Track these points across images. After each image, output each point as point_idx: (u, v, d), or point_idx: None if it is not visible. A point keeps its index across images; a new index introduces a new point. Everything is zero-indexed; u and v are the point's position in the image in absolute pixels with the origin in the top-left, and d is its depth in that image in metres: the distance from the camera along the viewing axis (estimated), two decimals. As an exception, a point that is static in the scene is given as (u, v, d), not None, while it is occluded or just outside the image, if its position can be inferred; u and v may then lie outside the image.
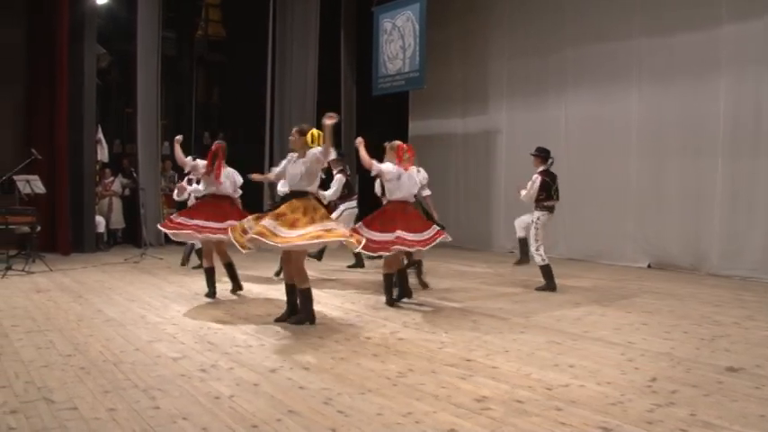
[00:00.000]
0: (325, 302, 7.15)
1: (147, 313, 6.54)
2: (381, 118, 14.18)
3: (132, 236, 12.67)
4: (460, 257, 11.24)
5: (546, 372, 4.61)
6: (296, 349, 5.20)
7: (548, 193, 8.19)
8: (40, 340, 5.36)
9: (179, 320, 6.23)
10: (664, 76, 10.18)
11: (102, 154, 12.32)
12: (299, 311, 6.18)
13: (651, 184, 10.37)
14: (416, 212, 7.25)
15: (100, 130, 12.21)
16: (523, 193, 8.27)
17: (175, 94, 14.78)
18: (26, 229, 9.97)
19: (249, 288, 7.95)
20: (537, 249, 8.04)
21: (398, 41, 12.86)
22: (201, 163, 7.57)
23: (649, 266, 10.33)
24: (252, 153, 13.12)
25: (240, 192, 7.82)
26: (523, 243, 8.45)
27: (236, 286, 7.67)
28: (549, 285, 8.11)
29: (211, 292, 7.42)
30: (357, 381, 4.36)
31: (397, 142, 7.35)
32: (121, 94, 14.46)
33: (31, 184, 9.86)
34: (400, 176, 7.06)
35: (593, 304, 7.29)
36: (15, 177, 9.87)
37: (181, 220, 7.36)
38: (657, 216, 10.28)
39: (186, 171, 8.17)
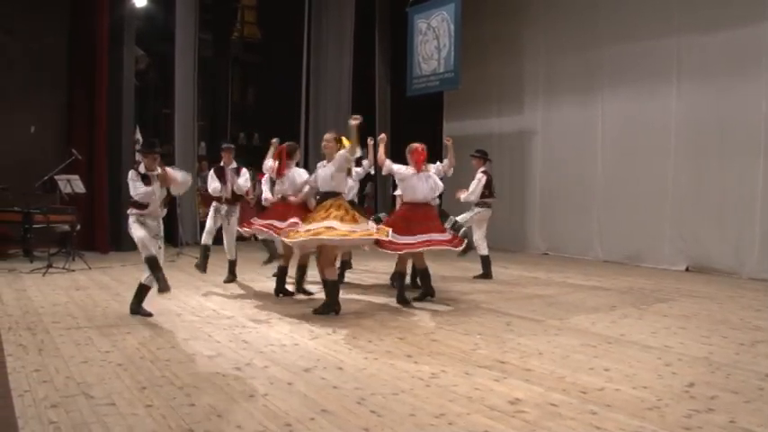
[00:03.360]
0: (358, 302, 7.17)
1: (183, 311, 6.63)
2: (416, 118, 14.16)
3: (168, 235, 12.80)
4: (494, 258, 11.13)
5: (581, 375, 4.56)
6: (330, 349, 5.22)
7: (489, 191, 9.03)
8: (80, 337, 5.47)
9: (214, 319, 6.30)
10: (703, 75, 9.99)
11: (140, 154, 12.50)
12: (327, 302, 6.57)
13: (690, 185, 10.19)
14: (430, 215, 7.25)
15: (138, 130, 12.41)
16: (463, 195, 8.96)
17: (211, 94, 14.96)
18: (66, 227, 10.18)
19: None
20: (480, 240, 9.03)
21: (433, 42, 12.83)
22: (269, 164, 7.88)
23: (687, 269, 10.15)
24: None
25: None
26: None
27: (300, 289, 7.76)
28: (486, 273, 9.06)
29: (279, 290, 7.61)
30: (390, 381, 4.37)
31: (414, 145, 7.40)
32: (159, 95, 14.69)
33: (71, 184, 10.07)
34: (411, 178, 7.16)
35: (629, 307, 7.19)
36: (56, 177, 10.10)
37: (253, 219, 7.64)
38: (696, 218, 10.09)
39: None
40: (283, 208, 7.31)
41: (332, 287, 6.58)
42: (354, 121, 6.51)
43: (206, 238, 8.61)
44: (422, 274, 7.41)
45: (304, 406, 3.86)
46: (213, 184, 8.48)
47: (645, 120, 10.78)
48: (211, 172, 8.71)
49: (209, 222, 8.59)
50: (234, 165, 8.53)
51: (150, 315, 6.27)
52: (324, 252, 6.60)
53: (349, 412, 3.77)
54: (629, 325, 6.27)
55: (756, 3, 9.32)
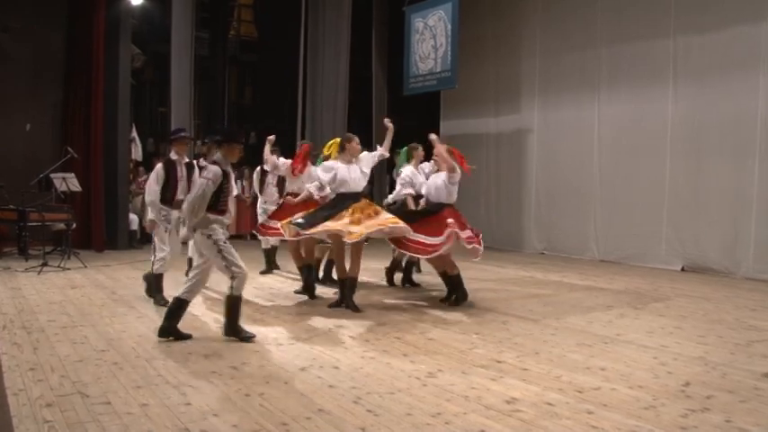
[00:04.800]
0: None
1: (179, 310, 6.60)
2: (413, 117, 14.14)
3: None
4: (491, 258, 11.13)
5: (577, 374, 4.56)
6: (326, 348, 5.22)
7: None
8: (75, 335, 5.46)
9: (210, 318, 6.28)
10: (700, 75, 9.99)
11: (136, 153, 12.50)
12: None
13: (686, 186, 10.19)
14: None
15: (134, 129, 12.39)
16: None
17: (208, 93, 14.94)
18: (62, 225, 10.16)
19: (280, 287, 8.00)
20: None
21: (430, 41, 12.82)
22: (283, 162, 7.93)
23: (683, 269, 10.16)
24: (284, 151, 13.22)
25: (326, 190, 7.66)
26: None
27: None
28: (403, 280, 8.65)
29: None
30: (387, 380, 4.36)
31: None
32: (155, 93, 14.67)
33: (67, 182, 10.05)
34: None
35: (625, 307, 7.20)
36: (52, 175, 10.07)
37: (271, 224, 7.59)
38: (692, 218, 10.10)
39: (270, 169, 8.31)
40: (299, 206, 7.37)
41: (340, 285, 6.85)
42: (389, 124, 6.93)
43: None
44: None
45: (300, 405, 3.85)
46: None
47: (641, 120, 10.79)
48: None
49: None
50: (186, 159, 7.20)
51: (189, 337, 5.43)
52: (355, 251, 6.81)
53: (345, 411, 3.76)
54: (626, 325, 6.27)
55: (753, 3, 9.32)
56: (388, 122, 7.30)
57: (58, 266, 9.09)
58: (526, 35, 12.85)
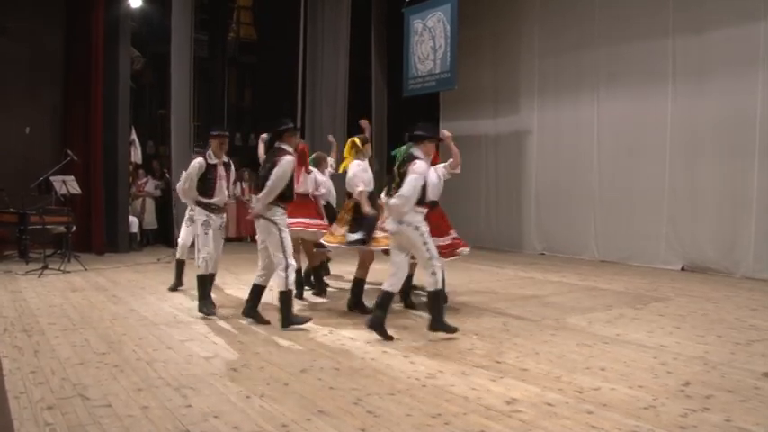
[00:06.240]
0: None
1: (180, 313, 6.62)
2: (412, 119, 14.12)
3: (164, 236, 12.84)
4: (490, 259, 11.18)
5: (577, 374, 4.57)
6: (326, 349, 5.22)
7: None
8: (76, 338, 5.46)
9: (210, 320, 6.29)
10: (699, 75, 9.98)
11: (136, 155, 12.51)
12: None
13: (685, 185, 10.19)
14: (440, 212, 7.15)
15: (134, 131, 12.40)
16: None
17: (208, 95, 14.93)
18: (62, 228, 10.16)
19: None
20: None
21: (429, 42, 12.83)
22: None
23: (683, 269, 10.16)
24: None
25: (322, 191, 7.66)
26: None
27: (320, 289, 7.71)
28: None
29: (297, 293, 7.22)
30: (387, 381, 4.37)
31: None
32: (154, 96, 14.67)
33: (67, 185, 10.06)
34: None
35: (625, 307, 7.20)
36: (52, 178, 10.09)
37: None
38: (692, 217, 10.10)
39: None
40: (299, 205, 7.13)
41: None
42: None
43: None
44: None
45: (300, 406, 3.86)
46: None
47: (641, 120, 10.78)
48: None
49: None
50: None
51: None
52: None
53: (345, 413, 3.77)
54: (625, 324, 6.28)
55: (751, 3, 9.33)
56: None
57: (59, 269, 9.09)
58: (525, 36, 12.84)
